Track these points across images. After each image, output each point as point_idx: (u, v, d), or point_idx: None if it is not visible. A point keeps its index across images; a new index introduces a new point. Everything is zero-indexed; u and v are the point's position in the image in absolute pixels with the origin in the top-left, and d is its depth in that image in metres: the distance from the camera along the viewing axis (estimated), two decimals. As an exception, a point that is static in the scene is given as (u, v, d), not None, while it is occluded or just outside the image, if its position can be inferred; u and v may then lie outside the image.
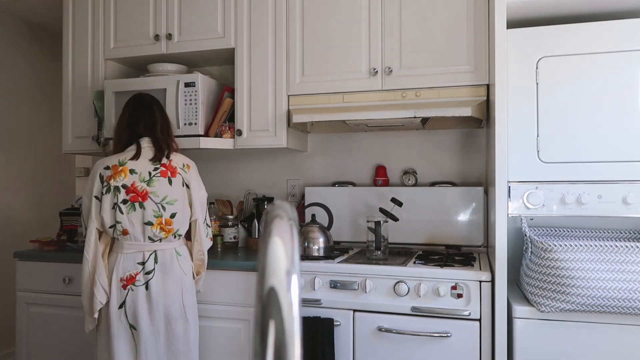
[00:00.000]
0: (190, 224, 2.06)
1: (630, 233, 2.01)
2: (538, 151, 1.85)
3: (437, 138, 2.59)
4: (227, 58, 2.64)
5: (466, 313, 1.87)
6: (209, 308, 2.16)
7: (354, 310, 1.99)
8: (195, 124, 2.41)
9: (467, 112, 2.09)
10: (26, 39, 3.73)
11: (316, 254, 2.18)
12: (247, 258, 2.24)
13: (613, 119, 1.79)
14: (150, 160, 1.96)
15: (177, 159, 2.04)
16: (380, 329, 1.94)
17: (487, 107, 2.16)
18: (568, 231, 2.06)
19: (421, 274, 1.92)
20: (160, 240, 1.93)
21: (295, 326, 0.41)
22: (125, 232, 1.91)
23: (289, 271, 0.43)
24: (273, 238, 0.45)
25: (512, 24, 1.93)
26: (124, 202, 1.90)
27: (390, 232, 2.46)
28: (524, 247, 1.89)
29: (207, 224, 2.13)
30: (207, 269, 2.15)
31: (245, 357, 2.12)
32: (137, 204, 1.90)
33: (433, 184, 2.57)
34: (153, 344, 1.91)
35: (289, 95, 2.40)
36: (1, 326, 3.43)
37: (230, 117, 2.53)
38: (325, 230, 2.26)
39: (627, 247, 1.61)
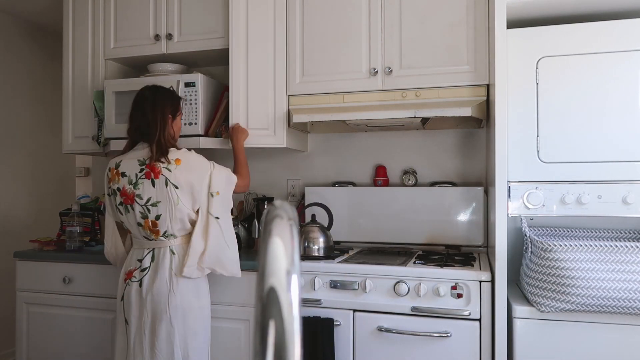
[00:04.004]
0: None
1: (630, 233, 2.01)
2: (538, 151, 1.85)
3: (437, 138, 2.59)
4: (227, 58, 2.63)
5: (466, 313, 1.87)
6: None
7: (354, 310, 1.99)
8: (196, 124, 2.41)
9: (467, 112, 2.09)
10: (26, 39, 3.73)
11: (316, 254, 2.18)
12: (247, 258, 2.24)
13: (613, 119, 1.79)
14: (139, 160, 1.93)
15: (168, 156, 1.93)
16: (380, 329, 1.94)
17: (487, 107, 2.15)
18: (568, 231, 2.06)
19: (421, 274, 1.92)
20: (154, 239, 1.94)
21: (295, 326, 0.41)
22: (128, 231, 2.04)
23: (289, 271, 0.43)
24: (273, 238, 0.45)
25: (512, 24, 1.93)
26: (121, 204, 1.96)
27: (391, 232, 2.46)
28: (524, 247, 1.89)
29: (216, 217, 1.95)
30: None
31: (245, 357, 2.12)
32: (129, 206, 1.94)
33: (433, 184, 2.56)
34: (140, 342, 1.91)
35: (288, 95, 2.40)
36: (1, 326, 3.43)
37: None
38: (325, 230, 2.25)
39: (627, 247, 1.61)
